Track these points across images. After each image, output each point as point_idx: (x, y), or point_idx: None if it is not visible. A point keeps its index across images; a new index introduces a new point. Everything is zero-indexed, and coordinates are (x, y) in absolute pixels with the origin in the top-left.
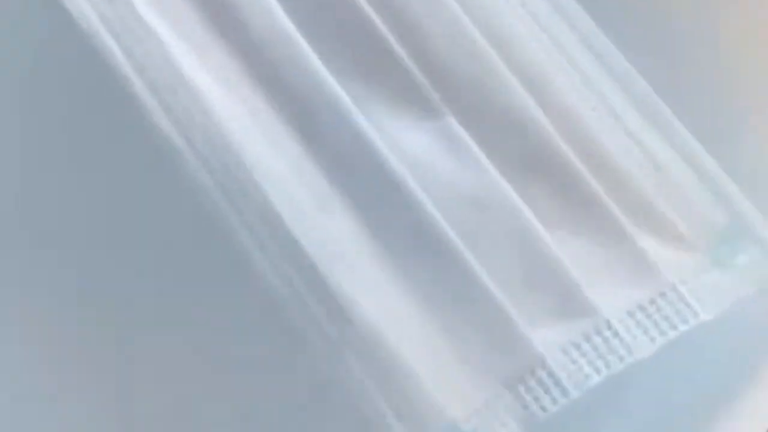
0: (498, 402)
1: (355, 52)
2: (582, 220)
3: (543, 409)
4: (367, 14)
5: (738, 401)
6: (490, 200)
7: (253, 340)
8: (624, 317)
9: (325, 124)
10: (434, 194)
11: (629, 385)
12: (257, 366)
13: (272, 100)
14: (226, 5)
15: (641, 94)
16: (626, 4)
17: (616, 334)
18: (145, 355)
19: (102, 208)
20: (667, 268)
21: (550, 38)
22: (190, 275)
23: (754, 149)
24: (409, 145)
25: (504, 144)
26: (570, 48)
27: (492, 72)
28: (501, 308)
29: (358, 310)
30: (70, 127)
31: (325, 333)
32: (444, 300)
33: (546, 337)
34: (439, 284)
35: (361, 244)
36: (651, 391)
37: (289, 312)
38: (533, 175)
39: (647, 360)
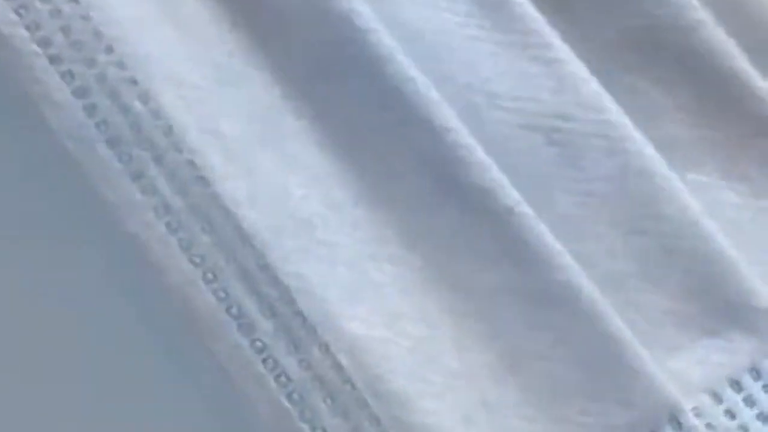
0: None
1: None
2: (744, 155)
3: None
4: None
5: None
6: (573, 123)
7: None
8: None
9: None
10: (466, 105)
11: None
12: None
13: None
14: None
15: None
16: None
17: None
18: None
19: None
20: None
21: None
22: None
23: None
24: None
25: (598, 19)
26: None
27: None
28: (602, 322)
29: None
30: None
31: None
32: (497, 305)
33: (682, 371)
34: (486, 274)
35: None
36: None
37: None
38: (651, 73)
39: None
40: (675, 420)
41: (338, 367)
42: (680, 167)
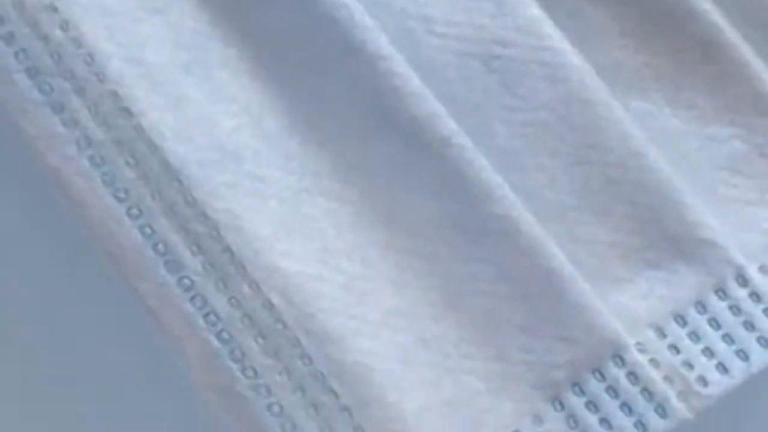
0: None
1: None
2: (690, 81)
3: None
4: None
5: None
6: (513, 49)
7: None
8: None
9: None
10: (401, 31)
11: None
12: None
13: None
14: None
15: None
16: None
17: (756, 294)
18: None
19: None
20: None
21: None
22: None
23: None
24: None
25: None
26: None
27: None
28: (543, 256)
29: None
30: None
31: None
32: (435, 240)
33: (625, 306)
34: (423, 208)
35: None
36: None
37: None
38: None
39: None
40: (618, 356)
41: (269, 305)
42: (624, 94)
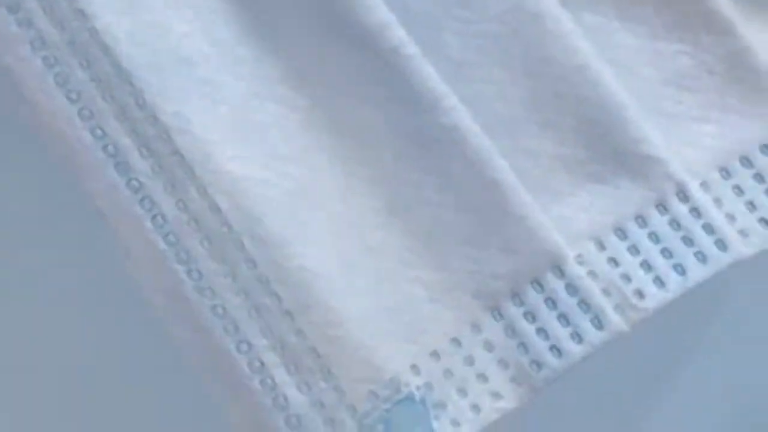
0: (472, 339)
1: None
2: None
3: (552, 348)
4: None
5: None
6: None
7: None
8: (713, 176)
9: None
10: None
11: None
12: None
13: None
14: None
15: None
16: None
17: (696, 209)
18: None
19: None
20: None
21: None
22: None
23: None
24: None
25: None
26: None
27: None
28: (488, 167)
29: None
30: None
31: None
32: (383, 149)
33: (567, 218)
34: (372, 117)
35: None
36: None
37: None
38: None
39: None
40: (557, 267)
41: (216, 208)
42: (576, 7)
